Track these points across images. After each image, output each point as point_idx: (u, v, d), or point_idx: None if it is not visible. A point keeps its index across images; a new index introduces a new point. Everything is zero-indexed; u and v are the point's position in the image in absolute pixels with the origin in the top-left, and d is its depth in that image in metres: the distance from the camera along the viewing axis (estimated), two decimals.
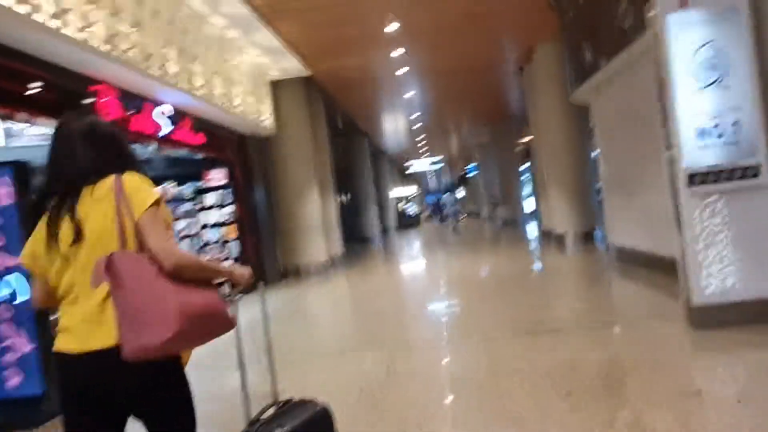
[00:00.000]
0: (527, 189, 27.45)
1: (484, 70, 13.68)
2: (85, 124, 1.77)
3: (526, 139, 27.98)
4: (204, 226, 10.08)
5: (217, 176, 10.11)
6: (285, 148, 12.10)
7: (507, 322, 5.35)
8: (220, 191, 10.07)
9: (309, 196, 12.28)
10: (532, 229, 19.75)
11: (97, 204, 1.65)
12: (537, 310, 5.75)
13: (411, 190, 37.83)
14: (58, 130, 1.78)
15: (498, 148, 23.23)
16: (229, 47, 9.41)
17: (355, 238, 22.88)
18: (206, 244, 10.09)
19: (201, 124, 8.88)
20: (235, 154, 10.41)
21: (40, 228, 1.71)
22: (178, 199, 10.60)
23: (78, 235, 1.63)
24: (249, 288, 2.00)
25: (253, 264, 10.45)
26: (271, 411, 2.02)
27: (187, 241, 10.41)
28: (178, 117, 8.11)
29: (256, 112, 10.63)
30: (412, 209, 34.38)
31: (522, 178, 24.65)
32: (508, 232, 19.58)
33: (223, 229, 10.06)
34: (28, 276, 2.61)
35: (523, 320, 5.36)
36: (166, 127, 7.70)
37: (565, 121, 11.67)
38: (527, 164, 27.85)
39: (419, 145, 26.69)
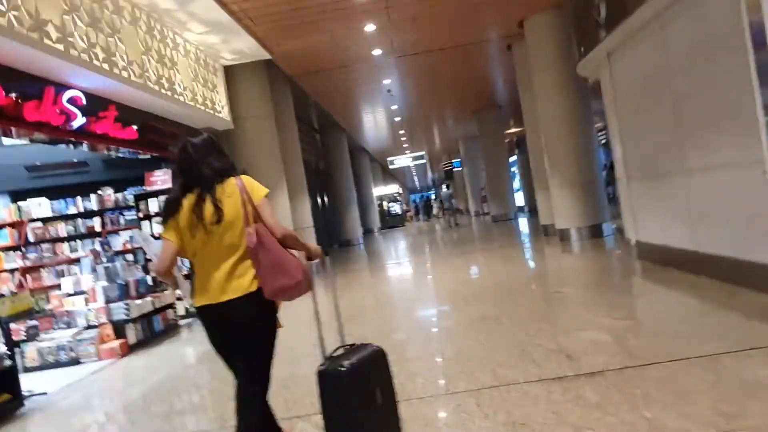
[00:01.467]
0: (517, 182, 26.21)
1: (468, 50, 12.21)
2: (209, 139, 2.65)
3: (513, 130, 26.79)
4: (149, 237, 8.48)
5: (162, 178, 8.53)
6: (245, 144, 10.54)
7: (524, 358, 3.88)
8: (165, 197, 8.47)
9: (277, 197, 10.72)
10: (523, 225, 18.40)
11: (229, 197, 2.43)
12: (563, 336, 4.28)
13: (394, 188, 36.32)
14: (193, 144, 2.56)
15: (485, 140, 21.81)
16: (164, 21, 7.84)
17: (335, 242, 21.36)
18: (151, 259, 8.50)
19: (132, 116, 7.30)
20: None
21: (182, 215, 2.42)
22: (117, 208, 9.04)
23: (220, 217, 2.38)
24: (319, 260, 2.75)
25: None
26: (339, 351, 2.66)
27: (129, 256, 8.84)
28: (96, 105, 6.53)
29: (208, 102, 9.06)
30: (395, 208, 32.88)
31: (511, 171, 23.31)
32: (500, 228, 18.16)
33: None
34: None
35: (547, 354, 3.90)
36: (79, 118, 6.12)
37: (566, 101, 10.24)
38: (515, 156, 26.71)
39: (401, 140, 25.19)
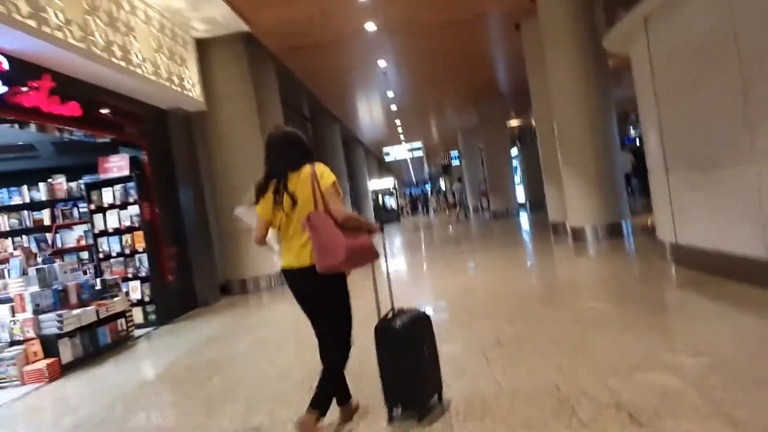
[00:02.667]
0: (517, 177, 25.07)
1: (470, 28, 11.04)
2: (285, 133, 3.05)
3: (515, 122, 25.62)
4: (100, 234, 7.32)
5: (119, 165, 7.34)
6: (221, 128, 9.35)
7: (564, 414, 2.76)
8: (122, 185, 7.29)
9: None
10: (528, 222, 17.27)
11: (302, 183, 2.86)
12: (614, 378, 3.13)
13: (389, 182, 35.10)
14: (273, 136, 3.03)
15: (486, 131, 20.65)
16: None
17: None
18: (107, 257, 7.32)
19: (75, 88, 6.11)
20: (142, 134, 7.62)
21: (267, 197, 2.93)
22: (70, 199, 7.84)
23: (294, 202, 2.86)
24: (379, 233, 3.18)
25: (174, 284, 7.73)
26: (390, 314, 3.16)
27: (82, 254, 7.67)
28: (24, 72, 5.34)
29: (175, 78, 7.86)
30: (391, 202, 31.71)
31: (513, 164, 22.18)
32: (502, 225, 17.03)
33: (128, 237, 7.28)
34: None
35: (597, 409, 2.77)
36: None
37: (584, 84, 9.06)
38: (516, 150, 25.52)
39: (398, 131, 23.98)
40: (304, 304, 3.06)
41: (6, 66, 5.03)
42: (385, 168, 38.09)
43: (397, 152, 25.20)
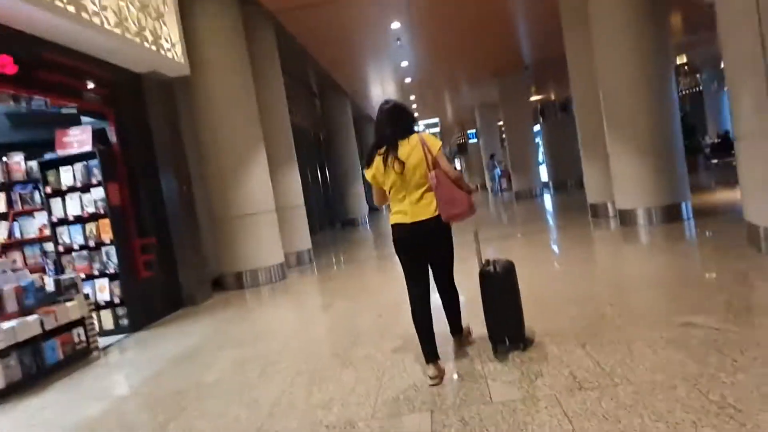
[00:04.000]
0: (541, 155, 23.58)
1: None
2: (395, 105, 3.37)
3: (536, 98, 24.01)
4: (60, 223, 6.08)
5: (80, 139, 6.07)
6: (207, 97, 8.04)
7: None
8: (84, 164, 6.02)
9: (254, 170, 8.26)
10: (556, 203, 15.86)
11: (413, 149, 3.21)
12: None
13: None
14: (383, 109, 3.35)
15: (507, 106, 19.12)
16: None
17: (338, 221, 18.94)
18: (69, 250, 6.08)
19: (10, 41, 4.82)
20: (107, 101, 6.33)
21: (377, 162, 3.28)
22: (29, 181, 6.59)
23: (402, 166, 3.19)
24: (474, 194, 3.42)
25: (151, 280, 6.51)
26: (487, 263, 3.51)
27: (47, 246, 6.46)
28: None
29: (148, 35, 6.54)
30: None
31: (536, 142, 20.67)
32: (527, 206, 15.64)
33: (93, 226, 6.03)
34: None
35: None
36: None
37: (638, 40, 7.62)
38: (538, 126, 23.96)
39: (411, 104, 22.51)
40: (416, 254, 3.36)
41: None
42: None
43: None
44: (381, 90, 19.30)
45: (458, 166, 44.00)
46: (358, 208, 18.92)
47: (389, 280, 7.07)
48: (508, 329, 3.45)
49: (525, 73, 18.34)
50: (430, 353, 3.26)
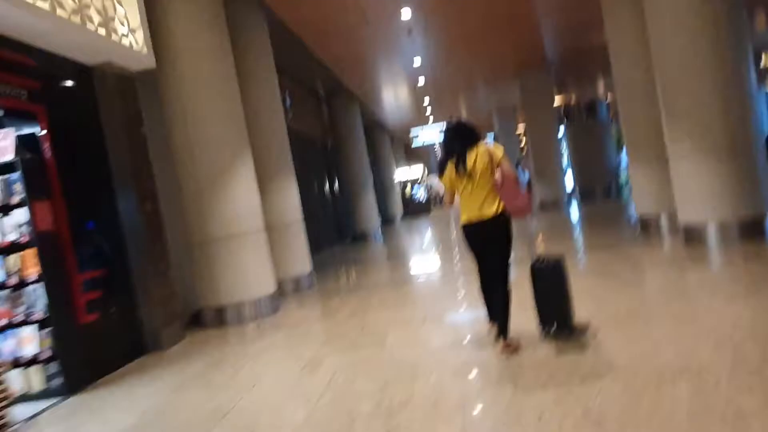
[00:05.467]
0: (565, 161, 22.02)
1: None
2: (461, 122, 4.10)
3: (559, 99, 22.44)
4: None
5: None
6: (179, 94, 6.68)
7: None
8: (3, 178, 4.66)
9: (238, 182, 6.88)
10: (589, 214, 14.34)
11: (480, 156, 3.81)
12: None
13: (418, 170, 32.19)
14: (450, 125, 4.07)
15: (530, 107, 17.64)
16: None
17: (348, 236, 17.53)
18: None
19: None
20: (35, 98, 4.97)
21: (450, 168, 3.93)
22: None
23: (470, 172, 3.82)
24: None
25: (98, 325, 5.13)
26: (539, 258, 4.07)
27: None
28: None
29: (99, 16, 5.19)
30: (420, 193, 28.87)
31: (561, 147, 19.11)
32: (556, 218, 14.12)
33: (16, 258, 4.66)
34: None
35: None
36: None
37: (707, 20, 6.15)
38: (562, 130, 22.39)
39: (426, 110, 21.07)
40: (482, 247, 3.99)
41: None
42: (413, 155, 35.23)
43: (426, 135, 22.19)
44: (393, 93, 17.95)
45: None
46: (370, 221, 17.50)
47: (402, 318, 5.61)
48: (556, 315, 3.92)
49: (548, 71, 16.87)
50: (491, 315, 4.06)
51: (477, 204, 3.85)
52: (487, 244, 3.92)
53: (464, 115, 25.54)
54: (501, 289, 3.90)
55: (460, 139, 3.94)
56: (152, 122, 6.59)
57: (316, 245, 14.51)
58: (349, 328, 5.58)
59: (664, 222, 7.97)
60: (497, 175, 3.77)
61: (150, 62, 6.06)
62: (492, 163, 3.80)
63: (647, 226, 8.23)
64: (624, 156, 26.31)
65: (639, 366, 3.23)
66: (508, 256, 3.95)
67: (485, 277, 4.06)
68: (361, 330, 5.38)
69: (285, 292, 8.32)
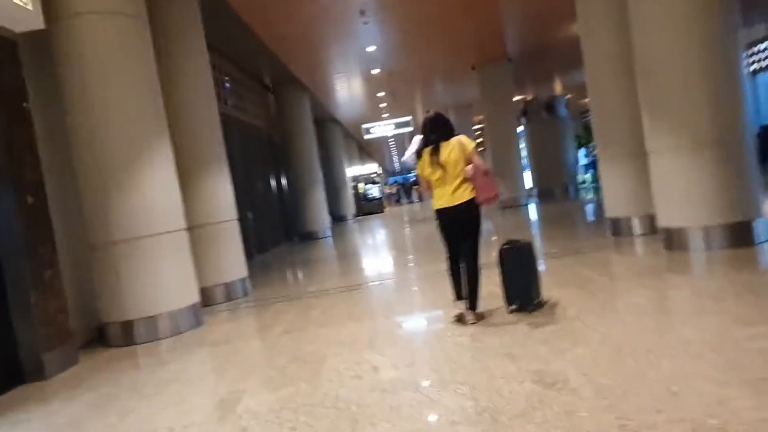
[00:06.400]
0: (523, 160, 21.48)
1: None
2: (438, 115, 4.42)
3: (518, 96, 21.90)
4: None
5: None
6: (81, 66, 5.52)
7: None
8: None
9: (152, 172, 5.76)
10: (551, 214, 13.75)
11: (453, 149, 4.21)
12: None
13: (372, 167, 31.26)
14: (428, 117, 4.41)
15: (489, 105, 16.97)
16: None
17: (295, 235, 16.47)
18: None
19: None
20: None
21: (424, 159, 4.32)
22: None
23: (443, 163, 4.21)
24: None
25: None
26: (507, 242, 4.53)
27: None
28: None
29: None
30: (373, 191, 27.95)
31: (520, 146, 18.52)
32: (517, 218, 13.45)
33: None
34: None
35: None
36: None
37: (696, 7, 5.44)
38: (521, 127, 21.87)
39: (380, 102, 20.15)
40: (453, 230, 4.38)
41: None
42: (366, 153, 34.31)
43: (380, 130, 21.23)
44: (346, 85, 16.93)
45: None
46: (319, 220, 16.47)
47: (345, 338, 4.64)
48: (520, 293, 4.38)
49: (508, 66, 16.22)
50: (458, 294, 4.41)
51: (449, 192, 4.27)
52: (457, 229, 4.35)
53: (420, 112, 24.79)
54: (471, 268, 4.33)
55: (436, 132, 4.33)
56: (40, 96, 5.41)
57: (260, 245, 13.42)
58: (279, 351, 4.57)
59: (637, 225, 7.28)
60: (468, 167, 4.20)
61: (36, 22, 4.86)
62: (463, 155, 4.23)
63: (619, 229, 7.53)
64: (583, 154, 26.23)
65: (635, 406, 2.37)
66: (477, 240, 4.35)
67: (454, 259, 4.43)
68: (295, 354, 4.38)
69: (214, 300, 7.26)
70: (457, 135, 4.32)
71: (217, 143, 7.61)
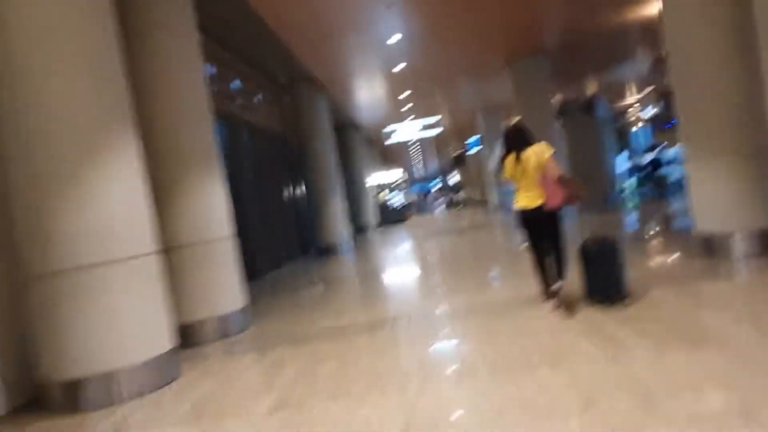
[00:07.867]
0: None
1: None
2: (519, 126, 4.97)
3: (557, 97, 20.18)
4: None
5: None
6: (8, 49, 4.16)
7: None
8: None
9: (109, 183, 4.34)
10: (604, 229, 12.01)
11: (533, 155, 4.68)
12: None
13: (396, 174, 29.66)
14: (509, 127, 4.99)
15: (523, 103, 15.33)
16: None
17: (312, 249, 15.02)
18: None
19: None
20: None
21: (509, 162, 4.82)
22: None
23: (525, 167, 4.69)
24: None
25: None
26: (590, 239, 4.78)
27: None
28: None
29: None
30: (396, 200, 26.40)
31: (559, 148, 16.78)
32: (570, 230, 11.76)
33: None
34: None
35: None
36: None
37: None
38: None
39: (403, 103, 18.60)
40: (535, 230, 4.82)
41: None
42: (390, 157, 32.81)
43: (404, 133, 19.62)
44: (367, 84, 15.46)
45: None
46: (338, 232, 14.99)
47: (365, 422, 3.12)
48: (602, 287, 4.58)
49: (545, 62, 14.61)
50: (546, 284, 4.86)
51: (527, 195, 4.76)
52: (536, 229, 4.82)
53: (445, 116, 23.18)
54: (555, 253, 4.78)
55: (518, 141, 4.83)
56: None
57: (273, 262, 12.01)
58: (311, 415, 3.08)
59: (739, 243, 5.64)
60: (539, 176, 4.64)
61: None
62: (541, 162, 4.64)
63: (711, 248, 5.87)
64: (623, 160, 24.41)
65: None
66: (557, 242, 4.76)
67: (538, 252, 4.89)
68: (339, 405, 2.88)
69: (203, 338, 5.81)
70: (537, 142, 4.82)
71: (207, 145, 6.17)
